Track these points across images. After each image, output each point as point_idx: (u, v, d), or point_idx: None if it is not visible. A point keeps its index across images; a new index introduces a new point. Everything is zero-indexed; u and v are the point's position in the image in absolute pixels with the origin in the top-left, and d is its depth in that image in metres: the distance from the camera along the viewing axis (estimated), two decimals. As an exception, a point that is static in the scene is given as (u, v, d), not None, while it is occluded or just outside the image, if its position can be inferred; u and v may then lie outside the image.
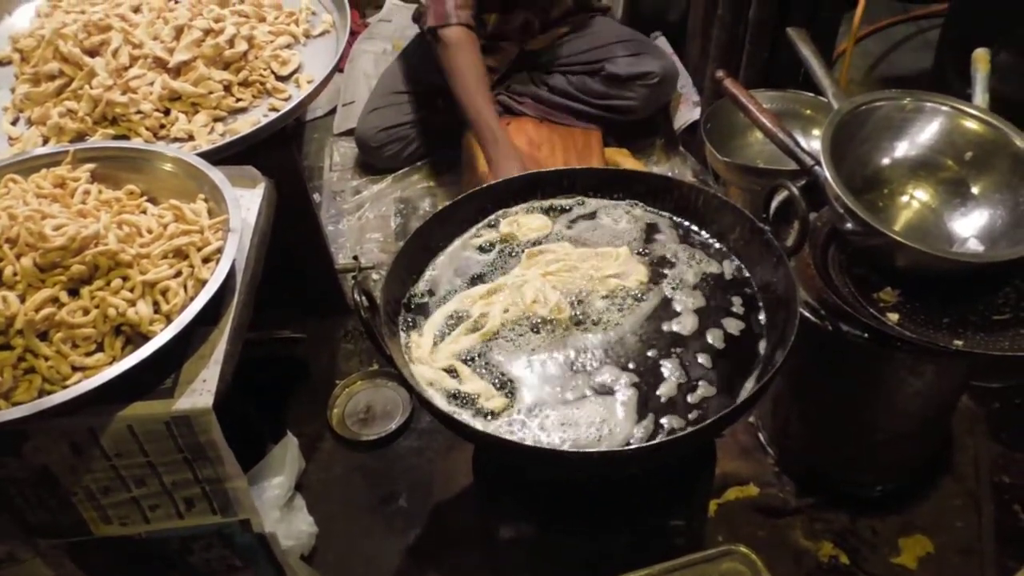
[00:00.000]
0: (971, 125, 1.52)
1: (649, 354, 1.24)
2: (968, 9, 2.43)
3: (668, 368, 1.21)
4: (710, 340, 1.26)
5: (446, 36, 2.15)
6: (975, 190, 1.52)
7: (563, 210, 1.47)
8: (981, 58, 1.62)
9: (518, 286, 1.32)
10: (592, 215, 1.46)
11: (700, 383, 1.19)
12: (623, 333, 1.26)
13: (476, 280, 1.37)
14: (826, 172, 1.39)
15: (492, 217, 1.46)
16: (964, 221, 1.51)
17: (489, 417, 1.16)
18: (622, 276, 1.35)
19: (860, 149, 1.53)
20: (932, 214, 1.54)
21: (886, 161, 1.57)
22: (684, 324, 1.28)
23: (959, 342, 1.35)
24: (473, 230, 1.45)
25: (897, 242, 1.35)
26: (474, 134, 2.17)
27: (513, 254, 1.40)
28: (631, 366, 1.22)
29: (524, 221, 1.45)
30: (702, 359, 1.23)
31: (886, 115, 1.55)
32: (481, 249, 1.42)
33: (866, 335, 1.44)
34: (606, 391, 1.18)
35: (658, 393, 1.18)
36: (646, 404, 1.17)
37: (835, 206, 1.41)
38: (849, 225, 1.41)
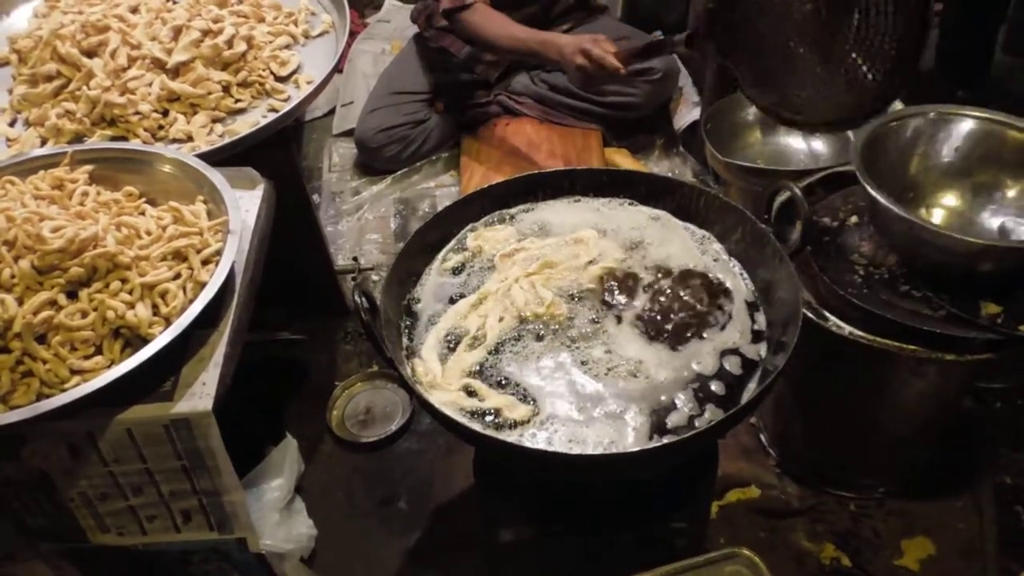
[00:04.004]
0: (1006, 133, 1.50)
1: (663, 399, 1.19)
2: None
3: (681, 400, 1.18)
4: (727, 367, 1.22)
5: (466, 19, 2.12)
6: (1009, 195, 1.50)
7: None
8: None
9: (504, 292, 1.31)
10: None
11: (708, 406, 1.17)
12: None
13: (457, 300, 1.33)
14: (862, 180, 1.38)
15: (459, 236, 1.44)
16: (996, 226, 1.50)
17: (500, 426, 1.15)
18: (601, 259, 1.34)
19: (891, 160, 1.52)
20: (963, 220, 1.53)
21: (915, 171, 1.55)
22: (705, 365, 1.23)
23: None
24: (442, 254, 1.41)
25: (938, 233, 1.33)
26: (532, 58, 2.06)
27: (486, 268, 1.38)
28: (644, 405, 1.18)
29: (490, 235, 1.42)
30: (715, 387, 1.20)
31: (914, 129, 1.53)
32: (454, 272, 1.38)
33: (869, 335, 1.43)
34: (616, 416, 1.16)
35: (666, 420, 1.16)
36: (659, 430, 1.14)
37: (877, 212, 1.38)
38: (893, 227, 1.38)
